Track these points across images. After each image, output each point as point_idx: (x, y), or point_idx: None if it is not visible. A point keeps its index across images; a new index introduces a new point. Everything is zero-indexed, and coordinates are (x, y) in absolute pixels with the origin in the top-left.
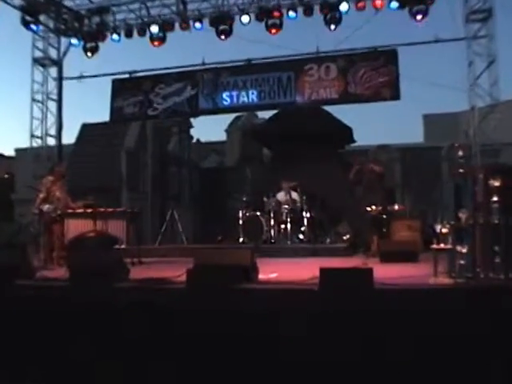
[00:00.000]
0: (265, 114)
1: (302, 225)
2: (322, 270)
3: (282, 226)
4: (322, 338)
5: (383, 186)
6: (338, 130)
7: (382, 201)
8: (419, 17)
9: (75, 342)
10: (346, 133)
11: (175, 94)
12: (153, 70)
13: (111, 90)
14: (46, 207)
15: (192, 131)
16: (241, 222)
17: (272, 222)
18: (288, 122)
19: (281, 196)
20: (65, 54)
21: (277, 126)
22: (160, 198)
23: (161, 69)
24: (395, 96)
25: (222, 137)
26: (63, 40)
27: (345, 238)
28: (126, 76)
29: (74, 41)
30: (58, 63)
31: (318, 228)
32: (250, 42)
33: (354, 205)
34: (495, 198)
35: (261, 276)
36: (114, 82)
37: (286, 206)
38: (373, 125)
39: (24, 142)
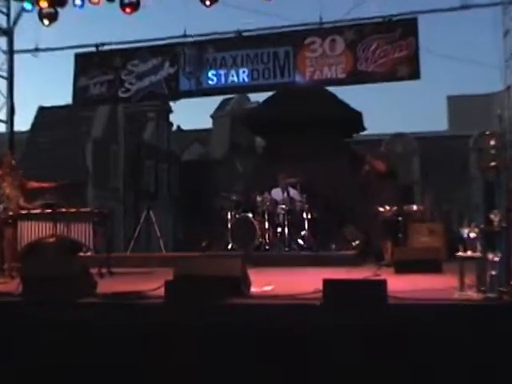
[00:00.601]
0: (258, 97)
1: (302, 228)
2: (326, 283)
3: (279, 230)
4: (324, 361)
5: (392, 184)
6: (346, 115)
7: (396, 200)
8: None
9: (26, 370)
10: (355, 119)
11: (151, 73)
12: (124, 42)
13: (74, 66)
14: None
15: (171, 117)
16: (229, 225)
17: (266, 225)
18: (286, 107)
19: (277, 194)
20: (16, 21)
21: (272, 110)
22: (134, 197)
23: (134, 41)
24: (414, 74)
25: (208, 124)
26: (14, 4)
27: (353, 244)
28: (92, 50)
29: (26, 5)
30: (8, 33)
31: (321, 232)
32: (240, 10)
33: (365, 205)
34: None
35: (253, 289)
36: (78, 57)
37: (283, 206)
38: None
39: None
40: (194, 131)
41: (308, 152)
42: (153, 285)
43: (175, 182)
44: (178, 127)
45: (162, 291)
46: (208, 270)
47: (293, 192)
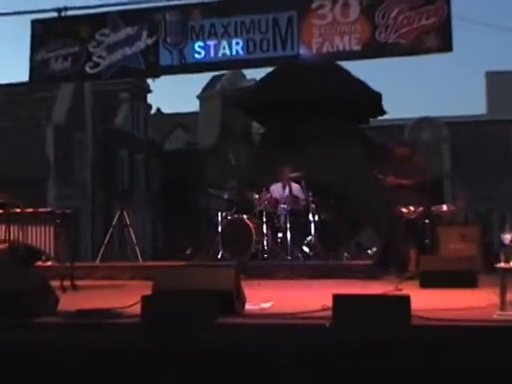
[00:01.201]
0: (255, 74)
1: (308, 233)
2: (337, 298)
3: (280, 235)
4: None
5: (422, 180)
6: (361, 96)
7: (422, 199)
8: None
9: None
10: (373, 100)
11: (125, 44)
12: (92, 7)
13: (31, 36)
14: None
15: (150, 98)
16: (220, 228)
17: (265, 229)
18: (288, 86)
19: (278, 191)
20: None
21: (272, 90)
22: (104, 195)
23: (104, 5)
24: (445, 46)
25: (193, 106)
26: None
27: (370, 251)
28: (54, 16)
29: None
30: None
31: (330, 238)
32: None
33: (384, 204)
34: None
35: (248, 306)
36: (35, 24)
37: (285, 206)
38: (411, 89)
39: None
40: (177, 115)
41: (315, 141)
42: (127, 301)
43: (154, 177)
44: (158, 110)
45: (137, 309)
46: (194, 283)
47: (297, 189)
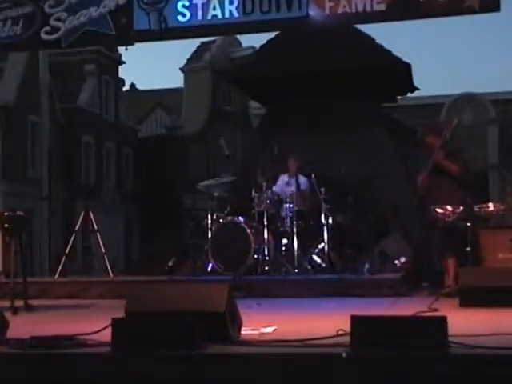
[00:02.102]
0: (253, 41)
1: (320, 239)
2: (356, 321)
3: (285, 242)
4: None
5: (462, 173)
6: (386, 68)
7: (463, 196)
8: None
9: None
10: (400, 74)
11: (90, 3)
12: None
13: None
14: None
15: (122, 71)
16: (210, 234)
17: (266, 234)
18: (295, 56)
19: (282, 187)
20: None
21: (275, 62)
22: (64, 192)
23: None
24: (491, 5)
25: (177, 81)
26: None
27: (397, 262)
28: None
29: None
30: None
31: (348, 245)
32: None
33: (415, 204)
34: None
35: (246, 331)
36: None
37: (291, 206)
38: (448, 60)
39: None
40: (155, 92)
41: (329, 124)
42: (93, 325)
43: (128, 170)
44: (132, 86)
45: (107, 335)
46: (177, 303)
47: (305, 184)
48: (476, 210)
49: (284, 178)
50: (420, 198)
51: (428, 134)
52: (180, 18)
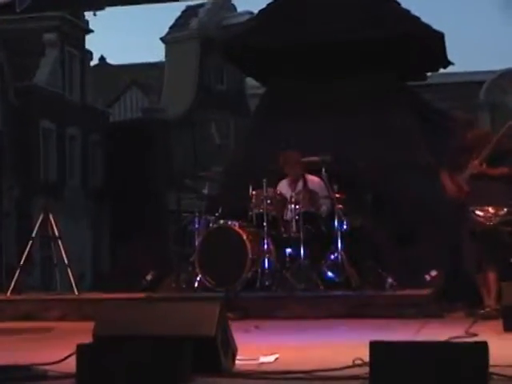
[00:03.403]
0: (250, 5)
1: (333, 248)
2: (376, 348)
3: (289, 251)
4: None
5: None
6: (413, 38)
7: (506, 196)
8: None
9: None
10: (431, 45)
11: None
12: None
13: None
14: None
15: (89, 42)
16: (198, 241)
17: (266, 242)
18: (302, 23)
19: (286, 185)
20: None
21: (278, 30)
22: (18, 190)
23: None
24: None
25: (157, 54)
26: None
27: (427, 276)
28: None
29: None
30: None
31: (366, 255)
32: None
33: (448, 204)
34: None
35: (241, 361)
36: None
37: (297, 207)
38: (490, 30)
39: None
40: (130, 67)
41: (343, 107)
42: (55, 353)
43: (96, 163)
44: (102, 60)
45: (71, 364)
46: (157, 325)
47: (315, 181)
48: None
49: (286, 179)
50: (455, 200)
51: (466, 128)
52: None
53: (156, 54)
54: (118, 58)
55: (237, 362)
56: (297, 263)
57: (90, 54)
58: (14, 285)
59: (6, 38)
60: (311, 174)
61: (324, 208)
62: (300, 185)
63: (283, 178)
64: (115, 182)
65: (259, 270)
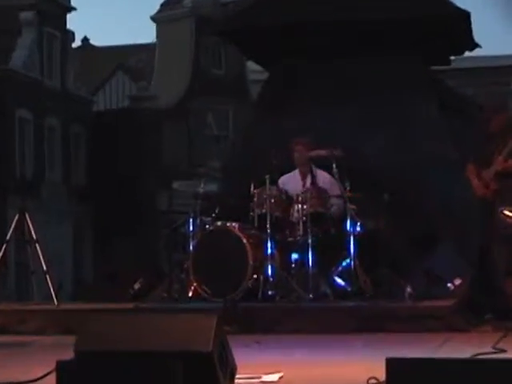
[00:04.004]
0: None
1: (344, 253)
2: (393, 365)
3: (295, 257)
4: None
5: None
6: (438, 17)
7: None
8: None
9: None
10: (455, 25)
11: None
12: None
13: None
14: None
15: (70, 22)
16: (193, 245)
17: (270, 247)
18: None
19: (292, 182)
20: None
21: (283, 7)
22: None
23: None
24: None
25: (146, 35)
26: None
27: (450, 285)
28: None
29: None
30: None
31: (382, 261)
32: None
33: (474, 205)
34: None
35: (241, 380)
36: None
37: (304, 207)
38: None
39: None
40: (117, 50)
41: (357, 94)
42: (32, 370)
43: (78, 157)
44: (85, 42)
45: (50, 383)
46: (145, 339)
47: (324, 177)
48: None
49: (295, 171)
50: (482, 199)
51: (494, 115)
52: None
53: (146, 34)
54: (102, 39)
55: (236, 381)
56: (304, 270)
57: (71, 35)
58: None
59: None
60: (321, 167)
61: (335, 208)
62: (308, 181)
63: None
64: (99, 178)
65: (261, 278)
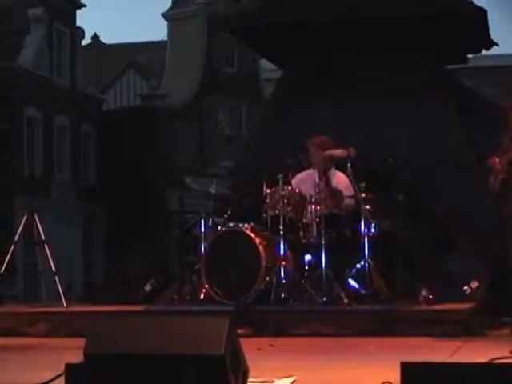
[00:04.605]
0: None
1: (359, 255)
2: (408, 370)
3: (309, 258)
4: None
5: None
6: (454, 15)
7: None
8: None
9: None
10: (472, 23)
11: None
12: None
13: None
14: None
15: (80, 19)
16: (204, 247)
17: (283, 248)
18: None
19: (306, 182)
20: None
21: (297, 4)
22: (0, 187)
23: None
24: None
25: (158, 32)
26: None
27: (467, 288)
28: None
29: None
30: None
31: (397, 263)
32: None
33: (493, 207)
34: None
35: (254, 383)
36: None
37: (318, 208)
38: None
39: None
40: (127, 47)
41: (371, 93)
42: (40, 373)
43: (88, 157)
44: (96, 39)
45: None
46: (156, 342)
47: (339, 177)
48: None
49: (310, 171)
50: (498, 199)
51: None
52: None
53: (157, 32)
54: (113, 36)
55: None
56: (317, 272)
57: (81, 32)
58: None
59: None
60: (335, 167)
61: (349, 207)
62: (323, 181)
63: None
64: (109, 178)
65: (274, 281)
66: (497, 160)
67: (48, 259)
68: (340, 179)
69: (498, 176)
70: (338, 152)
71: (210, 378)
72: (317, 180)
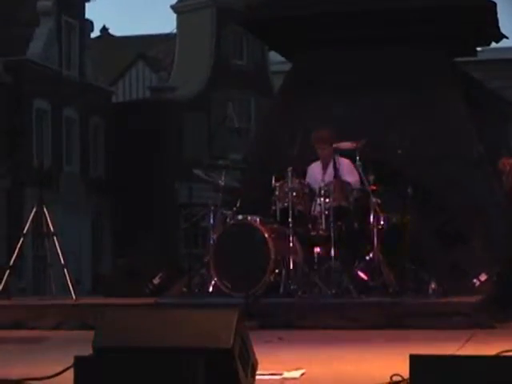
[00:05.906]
0: None
1: (367, 248)
2: (416, 362)
3: (318, 251)
4: None
5: None
6: (460, 8)
7: None
8: None
9: None
10: (481, 15)
11: None
12: None
13: None
14: None
15: (89, 11)
16: (213, 239)
17: (292, 243)
18: None
19: (315, 174)
20: None
21: None
22: (9, 179)
23: None
24: None
25: (166, 25)
26: None
27: (476, 281)
28: None
29: None
30: None
31: (406, 256)
32: None
33: (502, 200)
34: None
35: (262, 376)
36: None
37: (327, 200)
38: None
39: None
40: (136, 40)
41: (381, 85)
42: (48, 367)
43: (97, 149)
44: (105, 31)
45: (68, 379)
46: (165, 335)
47: (348, 169)
48: None
49: (317, 163)
50: (508, 193)
51: None
52: None
53: (166, 24)
54: (122, 28)
55: (257, 377)
56: (326, 265)
57: (90, 25)
58: (3, 288)
59: None
60: (343, 159)
61: (359, 196)
62: (328, 173)
63: (314, 160)
64: (118, 171)
65: (283, 273)
66: (506, 162)
67: (57, 251)
68: (344, 165)
69: (509, 178)
70: (348, 144)
71: (219, 371)
72: (321, 169)
